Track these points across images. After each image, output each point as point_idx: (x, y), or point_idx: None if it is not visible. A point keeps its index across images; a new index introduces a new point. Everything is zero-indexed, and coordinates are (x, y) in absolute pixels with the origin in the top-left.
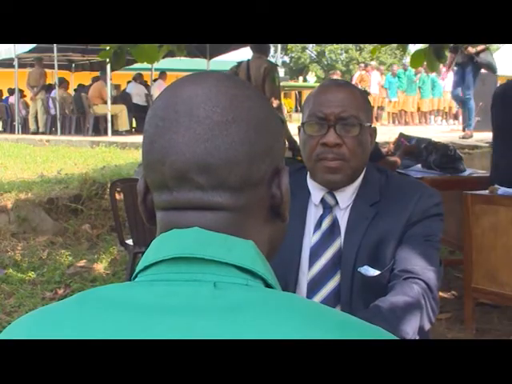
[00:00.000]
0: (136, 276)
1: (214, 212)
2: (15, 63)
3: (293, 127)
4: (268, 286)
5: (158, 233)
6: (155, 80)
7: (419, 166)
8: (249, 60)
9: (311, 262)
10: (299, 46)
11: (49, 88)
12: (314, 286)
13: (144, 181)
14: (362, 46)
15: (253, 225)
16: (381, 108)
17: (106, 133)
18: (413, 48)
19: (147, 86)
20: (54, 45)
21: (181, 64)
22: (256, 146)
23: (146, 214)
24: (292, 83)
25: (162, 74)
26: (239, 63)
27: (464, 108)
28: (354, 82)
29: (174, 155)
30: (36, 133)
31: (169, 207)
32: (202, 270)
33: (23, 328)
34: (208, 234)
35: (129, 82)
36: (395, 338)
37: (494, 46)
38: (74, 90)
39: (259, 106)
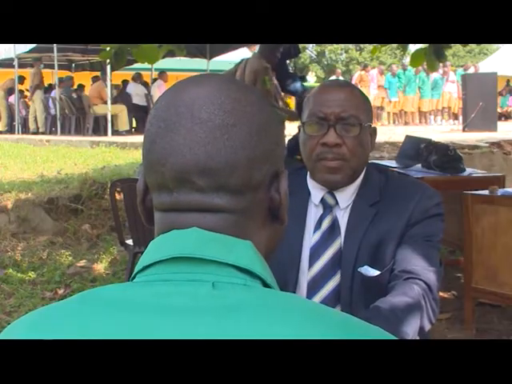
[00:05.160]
0: (135, 276)
1: (213, 214)
2: (15, 63)
3: (293, 127)
4: (266, 285)
5: (156, 233)
6: (155, 80)
7: (419, 165)
8: (248, 59)
9: (311, 262)
10: (299, 45)
11: (49, 88)
12: (314, 286)
13: (144, 181)
14: (361, 45)
15: (251, 227)
16: (381, 108)
17: (105, 133)
18: (413, 48)
19: (147, 86)
20: (54, 45)
21: (181, 64)
22: (256, 149)
23: (145, 214)
24: None
25: (162, 73)
26: (241, 61)
27: None
28: (353, 83)
29: (175, 157)
30: (36, 133)
31: (168, 208)
32: (200, 270)
33: (23, 328)
34: (207, 234)
35: (124, 81)
36: (395, 338)
37: (493, 46)
38: (74, 90)
39: (261, 110)
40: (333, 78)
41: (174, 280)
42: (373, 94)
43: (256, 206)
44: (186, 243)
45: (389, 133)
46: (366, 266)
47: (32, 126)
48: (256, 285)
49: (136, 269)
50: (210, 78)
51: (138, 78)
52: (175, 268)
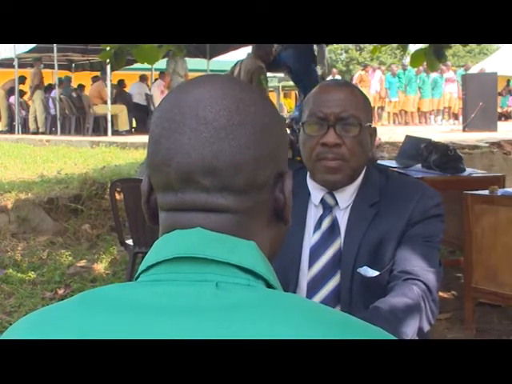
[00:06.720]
0: (138, 276)
1: (217, 214)
2: (15, 63)
3: None
4: (269, 286)
5: (160, 233)
6: (156, 80)
7: (419, 166)
8: (243, 60)
9: (311, 262)
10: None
11: (49, 88)
12: (314, 286)
13: (148, 181)
14: (361, 45)
15: (256, 227)
16: (381, 108)
17: (105, 133)
18: (413, 48)
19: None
20: (54, 45)
21: None
22: (261, 149)
23: (149, 213)
24: (292, 83)
25: (162, 74)
26: (237, 62)
27: None
28: (353, 83)
29: (180, 157)
30: (36, 133)
31: (173, 208)
32: (204, 270)
33: (23, 328)
34: (210, 234)
35: (120, 81)
36: (395, 338)
37: (493, 46)
38: (74, 89)
39: (264, 110)
40: (329, 78)
41: (177, 280)
42: (373, 94)
43: (260, 206)
44: (189, 243)
45: (389, 133)
46: (365, 267)
47: (32, 126)
48: (259, 285)
49: (140, 268)
50: (213, 78)
51: (144, 79)
52: (178, 268)
